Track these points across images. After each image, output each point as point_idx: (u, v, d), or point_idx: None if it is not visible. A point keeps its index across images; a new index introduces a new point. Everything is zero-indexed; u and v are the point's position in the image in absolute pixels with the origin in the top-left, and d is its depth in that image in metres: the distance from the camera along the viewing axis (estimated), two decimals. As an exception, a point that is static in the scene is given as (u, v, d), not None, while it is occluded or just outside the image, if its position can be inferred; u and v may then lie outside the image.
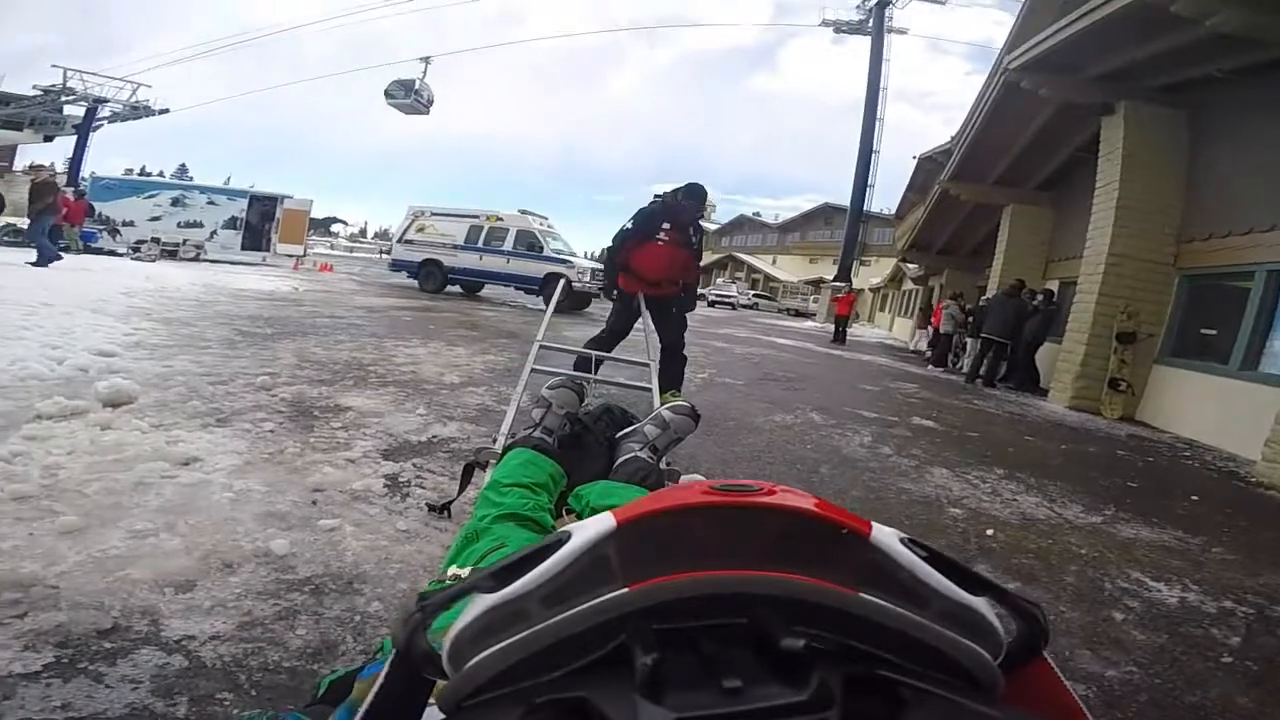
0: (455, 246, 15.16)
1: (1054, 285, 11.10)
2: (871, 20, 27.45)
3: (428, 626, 0.46)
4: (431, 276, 15.16)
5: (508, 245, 14.94)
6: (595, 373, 3.71)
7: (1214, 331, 7.48)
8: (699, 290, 5.34)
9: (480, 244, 15.06)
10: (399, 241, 16.05)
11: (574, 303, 13.66)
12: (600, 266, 16.25)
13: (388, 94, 24.26)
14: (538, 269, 14.16)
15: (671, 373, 4.67)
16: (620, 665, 0.40)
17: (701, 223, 4.86)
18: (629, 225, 4.65)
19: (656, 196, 4.75)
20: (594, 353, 3.85)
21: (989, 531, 3.10)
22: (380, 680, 0.50)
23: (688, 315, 4.95)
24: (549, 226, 15.98)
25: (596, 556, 0.44)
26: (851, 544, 0.45)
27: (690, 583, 0.43)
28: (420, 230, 15.56)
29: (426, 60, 24.54)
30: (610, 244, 4.76)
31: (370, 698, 0.49)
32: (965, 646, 0.43)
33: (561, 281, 5.24)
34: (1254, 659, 2.13)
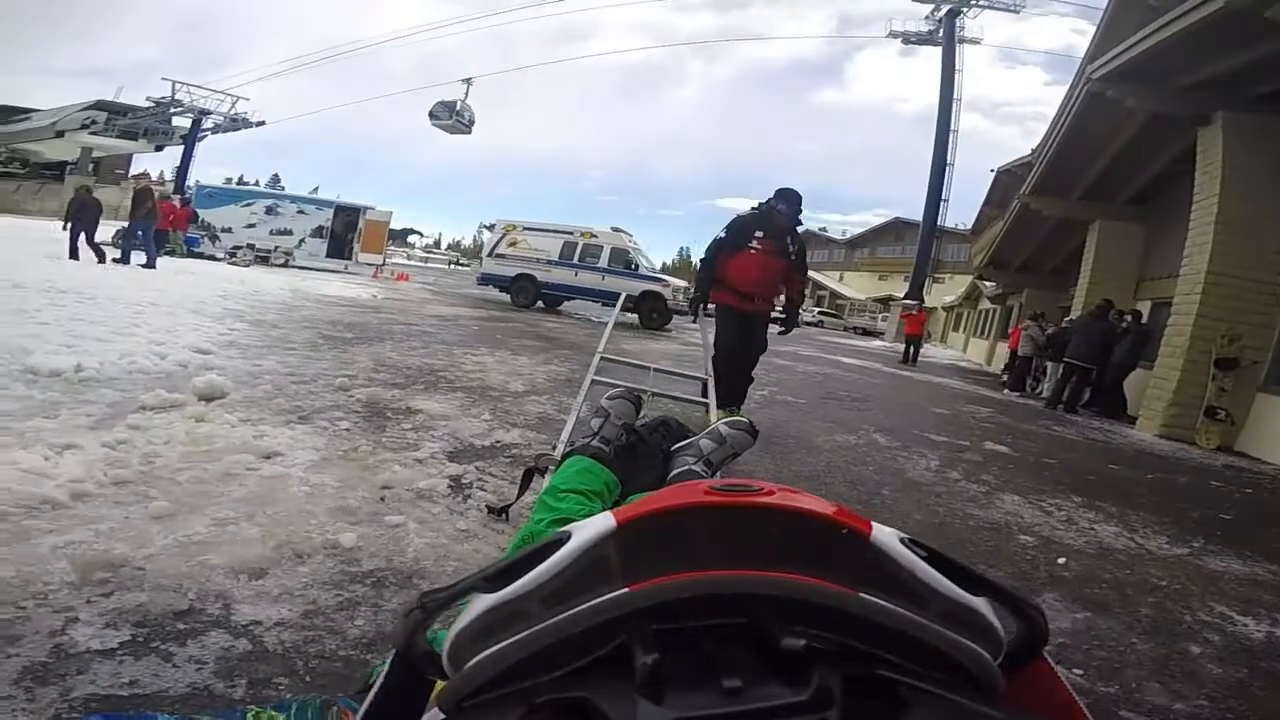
0: (549, 262, 15.40)
1: (1146, 306, 10.45)
2: (942, 30, 26.74)
3: (428, 626, 0.47)
4: (524, 291, 15.39)
5: (603, 262, 15.33)
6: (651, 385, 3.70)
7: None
8: (801, 303, 5.02)
9: (575, 260, 15.39)
10: (490, 255, 16.10)
11: (661, 320, 14.38)
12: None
13: (432, 115, 25.14)
14: (634, 286, 14.17)
15: (739, 389, 4.50)
16: (620, 665, 0.40)
17: (801, 231, 4.55)
18: (722, 234, 4.46)
19: (754, 207, 4.53)
20: (647, 389, 3.33)
21: (1061, 560, 2.94)
22: (381, 680, 0.51)
23: (789, 330, 4.90)
24: (637, 245, 16.32)
25: (597, 556, 0.44)
26: (851, 544, 0.45)
27: (690, 583, 0.43)
28: (512, 245, 15.79)
29: (469, 82, 25.45)
30: (703, 254, 4.61)
31: (371, 698, 0.50)
32: (965, 646, 0.43)
33: (622, 296, 5.26)
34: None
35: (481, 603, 0.45)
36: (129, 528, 1.98)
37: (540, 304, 15.87)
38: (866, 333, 33.94)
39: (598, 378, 2.86)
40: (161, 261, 11.58)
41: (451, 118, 25.20)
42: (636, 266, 15.36)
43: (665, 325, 14.52)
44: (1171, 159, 9.57)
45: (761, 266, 4.36)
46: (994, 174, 20.12)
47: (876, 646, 0.42)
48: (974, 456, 5.08)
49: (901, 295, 27.34)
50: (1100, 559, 3.05)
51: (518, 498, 2.36)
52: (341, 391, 4.12)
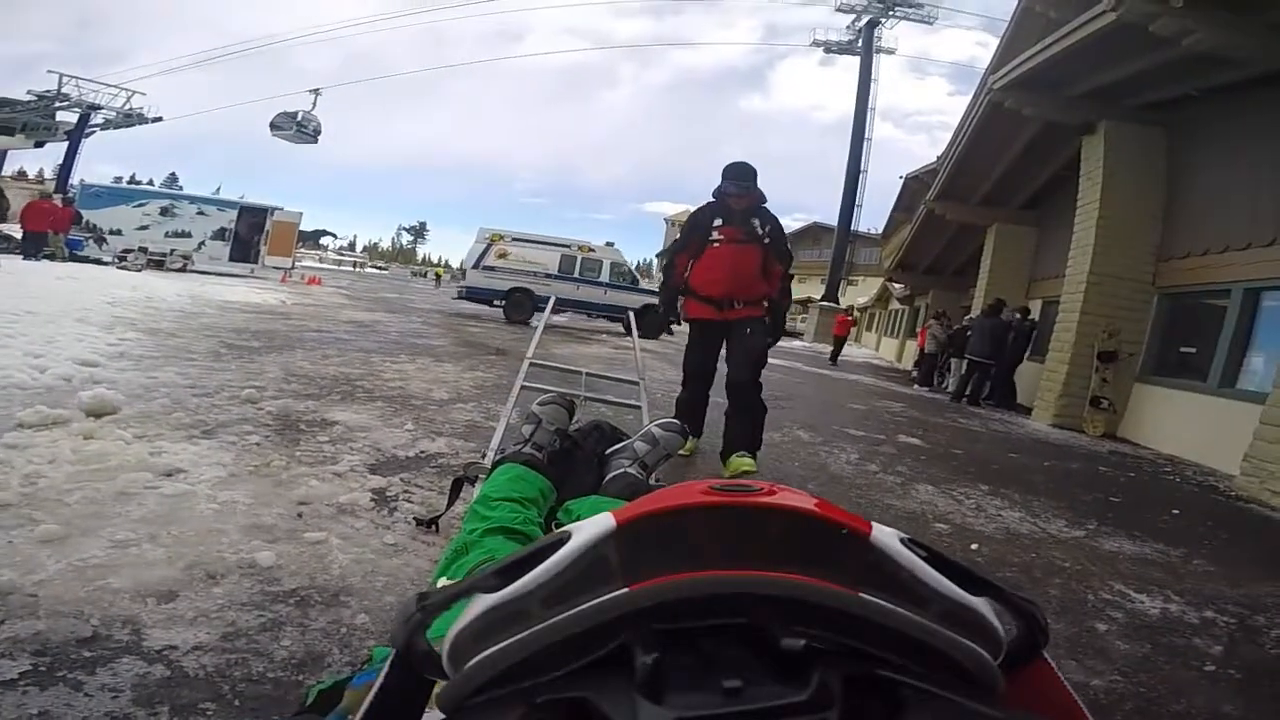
0: (548, 275, 15.08)
1: (1037, 304, 11.24)
2: (861, 40, 27.92)
3: (427, 627, 0.47)
4: (521, 306, 14.72)
5: (604, 277, 15.60)
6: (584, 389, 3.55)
7: (1193, 350, 7.61)
8: (788, 305, 4.11)
9: (577, 274, 15.43)
10: (475, 268, 15.08)
11: (652, 330, 14.06)
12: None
13: (273, 125, 24.60)
14: (635, 300, 14.37)
15: (744, 427, 3.71)
16: (620, 665, 0.40)
17: (768, 208, 3.73)
18: (678, 234, 3.88)
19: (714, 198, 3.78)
20: (579, 393, 2.89)
21: (974, 546, 3.12)
22: (380, 680, 0.50)
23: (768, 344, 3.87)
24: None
25: (596, 557, 0.44)
26: (851, 544, 0.45)
27: (690, 583, 0.43)
28: (501, 256, 15.08)
29: (316, 92, 25.05)
30: (662, 262, 4.10)
31: (370, 698, 0.49)
32: (965, 646, 0.43)
33: (552, 300, 5.14)
34: (1236, 668, 2.15)
35: (482, 603, 0.44)
36: (14, 552, 1.80)
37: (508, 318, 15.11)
38: (787, 334, 34.88)
39: (528, 383, 2.81)
40: (40, 266, 10.62)
41: (294, 128, 24.50)
42: (637, 282, 15.88)
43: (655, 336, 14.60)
44: (1060, 166, 10.33)
45: (732, 260, 3.62)
46: (903, 180, 21.15)
47: (876, 646, 0.42)
48: (890, 449, 5.32)
49: (819, 297, 28.30)
50: (1009, 544, 3.25)
51: (447, 508, 2.29)
52: (249, 404, 3.88)
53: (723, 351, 3.91)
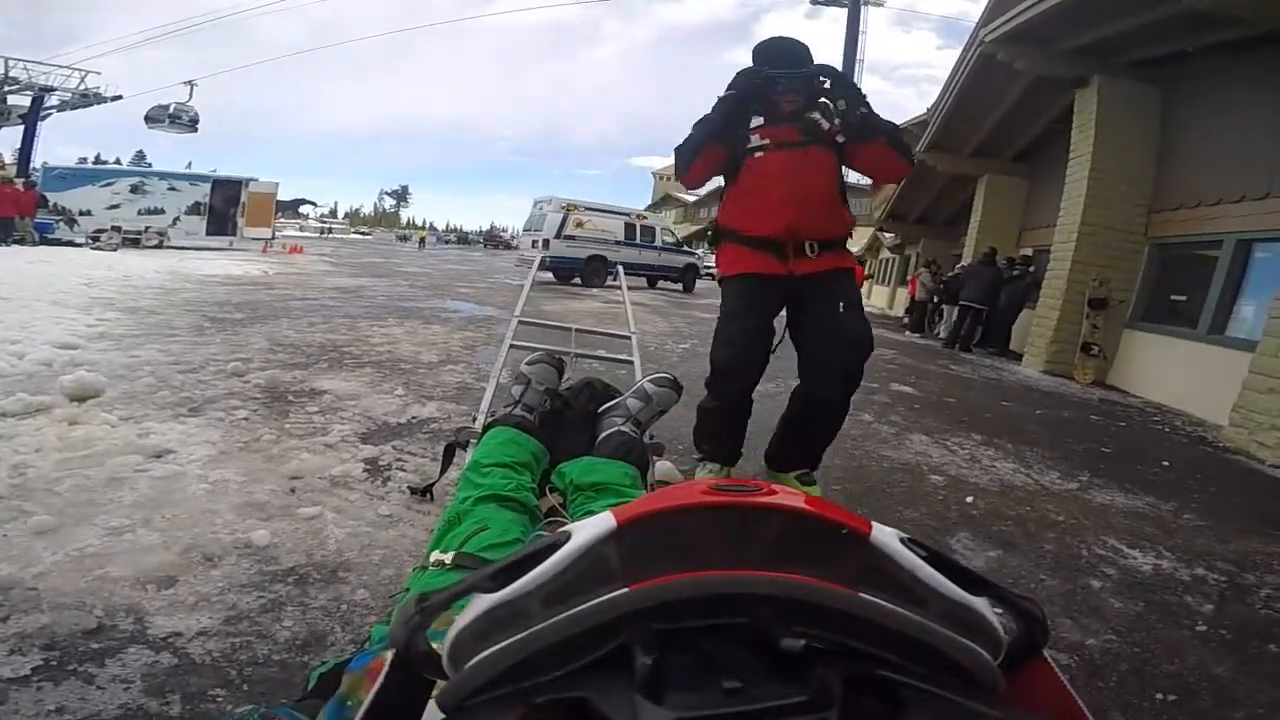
0: (617, 242, 16.32)
1: (1028, 253, 11.25)
2: (849, -9, 27.25)
3: (427, 627, 0.46)
4: (598, 272, 15.66)
5: (657, 241, 17.43)
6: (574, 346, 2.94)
7: (1183, 298, 7.65)
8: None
9: (638, 240, 16.94)
10: (558, 237, 15.58)
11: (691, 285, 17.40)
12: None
13: (148, 119, 24.23)
14: (680, 260, 17.63)
15: (815, 437, 2.62)
16: (620, 665, 0.40)
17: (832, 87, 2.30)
18: (698, 136, 2.32)
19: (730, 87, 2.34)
20: (569, 350, 2.59)
21: (969, 499, 3.15)
22: (380, 680, 0.50)
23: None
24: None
25: (596, 557, 0.44)
26: (851, 544, 0.45)
27: (690, 583, 0.43)
28: (579, 225, 15.94)
29: (191, 84, 24.60)
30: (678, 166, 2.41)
31: (370, 698, 0.49)
32: (965, 646, 0.43)
33: (538, 256, 5.05)
34: (1227, 627, 2.18)
35: (481, 603, 0.44)
36: (9, 546, 1.79)
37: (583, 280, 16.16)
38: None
39: (516, 342, 2.74)
40: (10, 251, 10.38)
41: (167, 121, 24.20)
42: (680, 245, 17.86)
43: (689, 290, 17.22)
44: (1051, 119, 10.22)
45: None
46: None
47: (876, 646, 0.43)
48: (883, 398, 5.33)
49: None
50: (1003, 496, 3.28)
51: (440, 475, 2.28)
52: (235, 377, 3.83)
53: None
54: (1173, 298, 7.87)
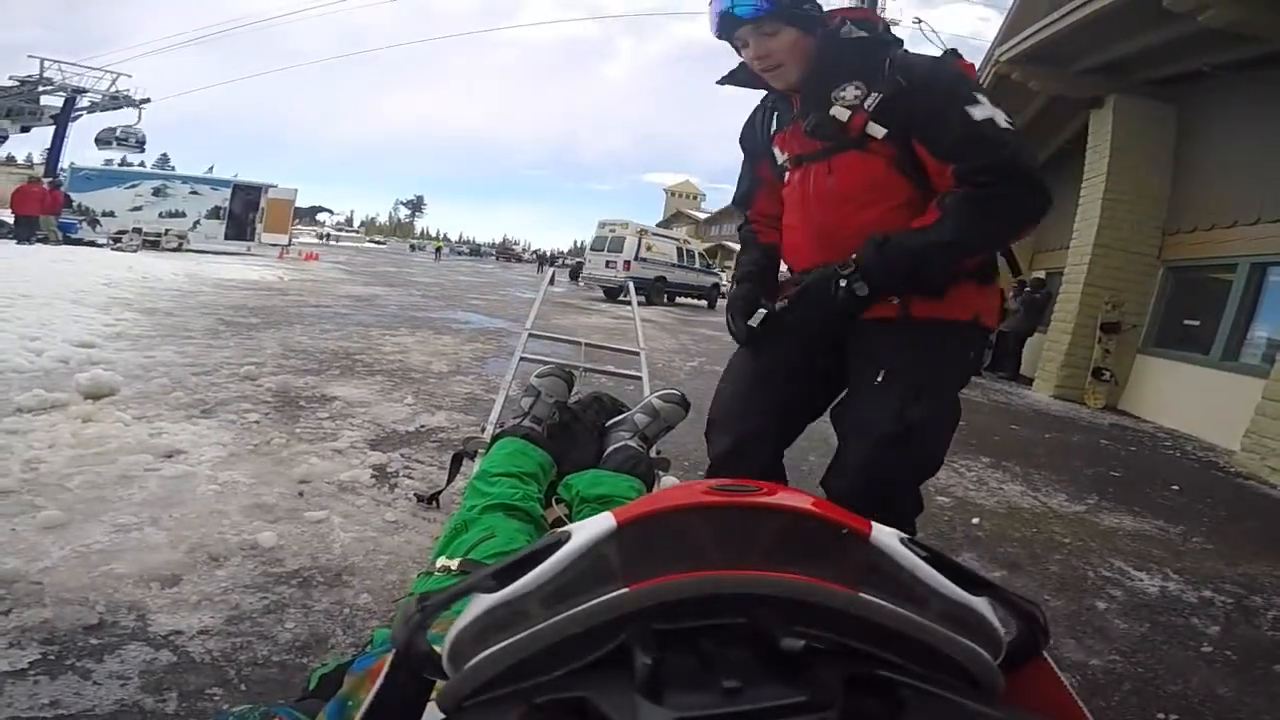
0: (672, 264, 17.99)
1: (1041, 275, 11.18)
2: (863, 10, 27.56)
3: (427, 627, 0.46)
4: (660, 292, 17.33)
5: (696, 263, 19.03)
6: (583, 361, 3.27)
7: (1196, 322, 7.57)
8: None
9: (683, 263, 18.46)
10: (636, 259, 16.78)
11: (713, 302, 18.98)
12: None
13: (98, 141, 24.64)
14: (707, 280, 19.41)
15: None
16: (620, 665, 0.40)
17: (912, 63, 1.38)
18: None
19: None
20: (579, 364, 2.41)
21: (975, 520, 3.12)
22: (380, 680, 0.50)
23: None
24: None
25: (597, 557, 0.44)
26: (851, 544, 0.45)
27: (690, 583, 0.43)
28: (649, 249, 17.26)
29: (142, 105, 24.79)
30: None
31: (370, 698, 0.49)
32: (965, 647, 0.43)
33: (550, 271, 5.08)
34: (1233, 648, 2.16)
35: (482, 603, 0.44)
36: (18, 540, 1.81)
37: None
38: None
39: (526, 355, 2.77)
40: (34, 249, 10.55)
41: (114, 143, 24.72)
42: (710, 266, 19.70)
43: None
44: (1065, 140, 10.19)
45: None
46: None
47: (876, 646, 0.42)
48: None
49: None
50: (1010, 518, 3.25)
51: (448, 484, 2.27)
52: (248, 381, 3.87)
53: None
54: (1186, 322, 7.80)
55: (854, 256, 1.34)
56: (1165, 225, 8.05)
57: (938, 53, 1.46)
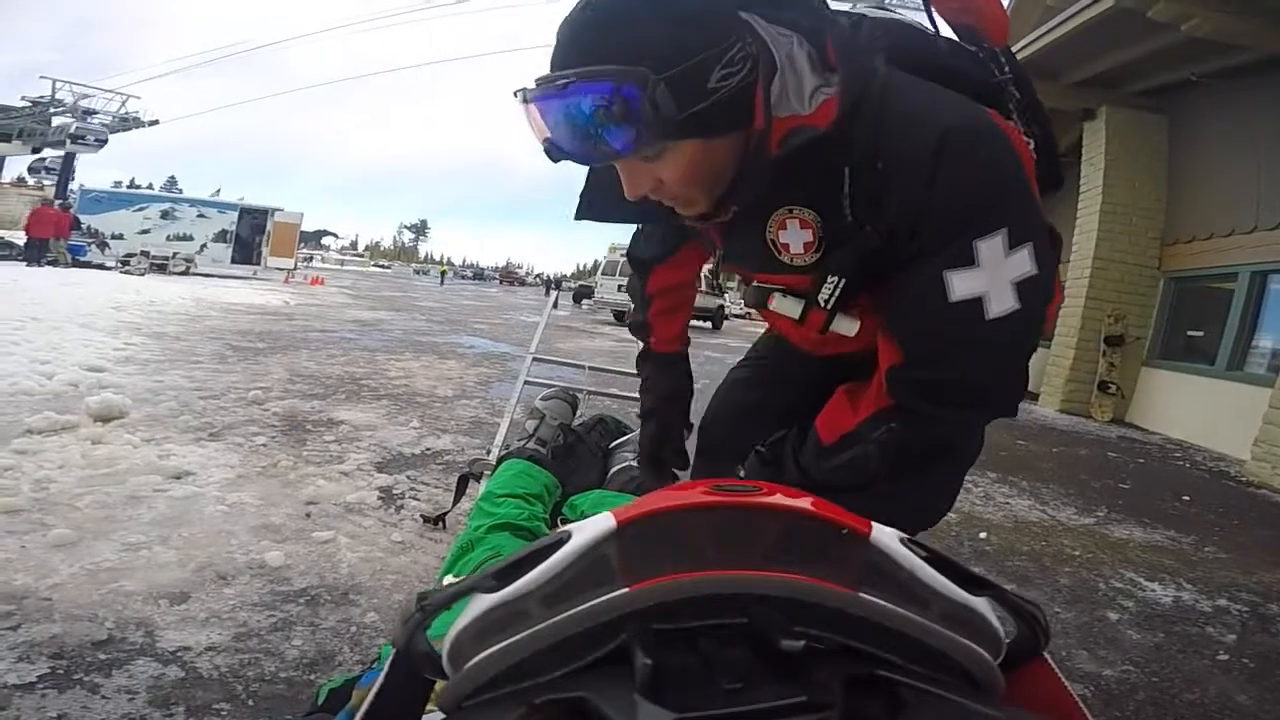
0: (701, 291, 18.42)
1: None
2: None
3: (427, 627, 0.46)
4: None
5: (703, 285, 17.92)
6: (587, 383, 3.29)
7: (1200, 333, 7.57)
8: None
9: (704, 288, 19.24)
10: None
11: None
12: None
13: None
14: (714, 303, 19.71)
15: None
16: (620, 665, 0.40)
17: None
18: None
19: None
20: (583, 387, 2.36)
21: (983, 535, 3.11)
22: (380, 680, 0.50)
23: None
24: None
25: (597, 556, 0.43)
26: (851, 544, 0.44)
27: (690, 583, 0.42)
28: None
29: (149, 124, 25.23)
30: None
31: (370, 698, 0.49)
32: (965, 647, 0.43)
33: (554, 294, 5.11)
34: (1250, 656, 2.14)
35: (481, 603, 0.43)
36: (28, 557, 1.82)
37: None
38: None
39: (531, 379, 2.80)
40: (44, 272, 10.66)
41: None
42: (715, 286, 19.95)
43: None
44: (1062, 152, 10.24)
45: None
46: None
47: (876, 647, 0.42)
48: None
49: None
50: (1018, 532, 3.23)
51: (453, 505, 2.29)
52: (255, 405, 3.89)
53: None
54: (1190, 333, 7.79)
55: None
56: (1164, 236, 8.07)
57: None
